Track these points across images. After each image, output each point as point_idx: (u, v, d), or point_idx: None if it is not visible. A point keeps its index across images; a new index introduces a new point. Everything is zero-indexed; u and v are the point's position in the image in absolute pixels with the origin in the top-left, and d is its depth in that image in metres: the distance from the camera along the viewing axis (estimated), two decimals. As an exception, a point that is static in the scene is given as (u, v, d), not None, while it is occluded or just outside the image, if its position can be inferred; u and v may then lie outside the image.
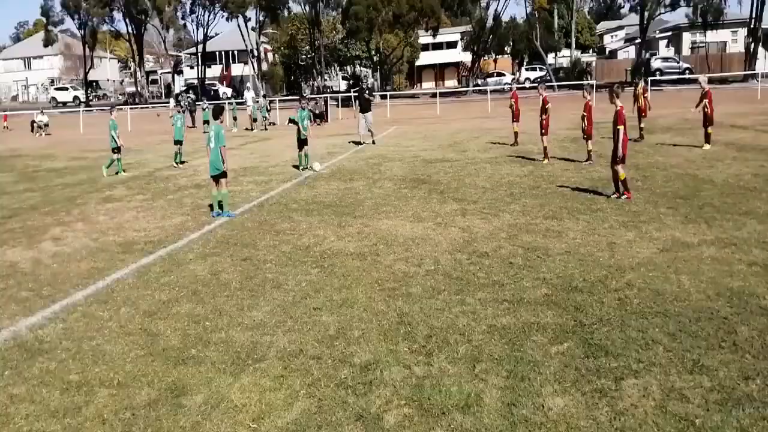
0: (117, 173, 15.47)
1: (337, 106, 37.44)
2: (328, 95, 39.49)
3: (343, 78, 67.85)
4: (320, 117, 32.16)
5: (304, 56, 67.34)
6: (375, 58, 57.34)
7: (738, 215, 8.28)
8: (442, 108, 35.30)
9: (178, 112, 18.98)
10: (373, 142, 19.80)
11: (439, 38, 66.30)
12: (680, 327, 4.95)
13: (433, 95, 43.13)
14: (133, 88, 69.50)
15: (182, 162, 17.06)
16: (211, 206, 10.25)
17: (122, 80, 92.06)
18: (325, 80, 59.86)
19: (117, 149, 15.62)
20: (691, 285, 5.84)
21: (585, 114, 13.77)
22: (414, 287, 6.22)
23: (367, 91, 22.61)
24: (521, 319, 5.28)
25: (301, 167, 14.74)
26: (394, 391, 4.22)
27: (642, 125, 16.94)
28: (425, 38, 67.13)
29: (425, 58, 76.12)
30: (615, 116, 9.61)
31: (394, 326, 5.30)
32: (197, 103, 37.12)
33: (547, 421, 3.76)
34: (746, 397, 3.91)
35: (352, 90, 42.49)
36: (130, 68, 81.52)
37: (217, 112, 10.26)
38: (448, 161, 14.99)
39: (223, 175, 9.79)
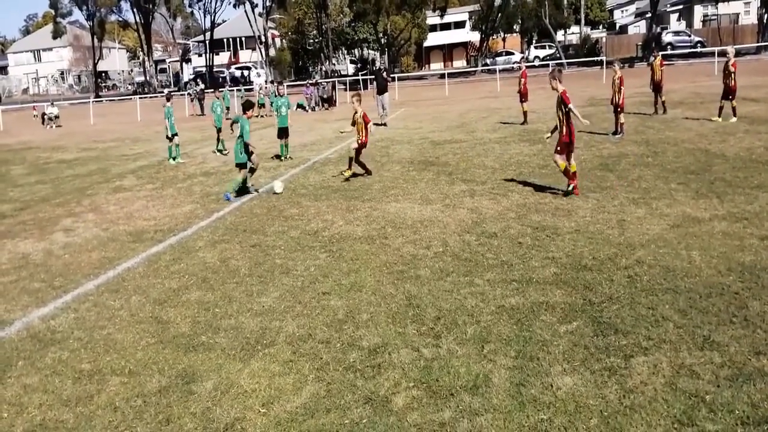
0: (171, 159, 15.35)
1: (345, 89, 37.28)
2: (336, 79, 39.33)
3: (351, 61, 67.48)
4: (328, 101, 32.06)
5: (311, 41, 67.02)
6: (383, 40, 56.93)
7: (750, 189, 8.16)
8: (451, 89, 35.01)
9: (216, 98, 18.67)
10: (385, 125, 19.71)
11: (447, 18, 65.70)
12: (691, 303, 4.90)
13: (442, 76, 42.82)
14: (142, 78, 69.66)
15: (222, 151, 16.31)
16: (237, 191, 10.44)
17: (131, 70, 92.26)
18: (333, 64, 59.56)
19: (173, 136, 15.26)
20: (702, 260, 5.77)
21: (619, 86, 13.62)
22: (422, 269, 6.21)
23: (384, 72, 22.49)
24: (530, 299, 5.26)
25: (282, 157, 14.35)
26: (403, 373, 4.23)
27: (663, 98, 16.56)
28: (433, 19, 66.49)
29: (433, 39, 75.41)
30: (559, 101, 8.61)
31: (403, 309, 5.30)
32: (206, 91, 37.16)
33: (556, 401, 3.75)
34: (757, 372, 3.87)
35: (368, 72, 42.18)
36: (138, 58, 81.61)
37: (246, 107, 10.87)
38: (457, 142, 14.89)
39: (243, 165, 10.46)
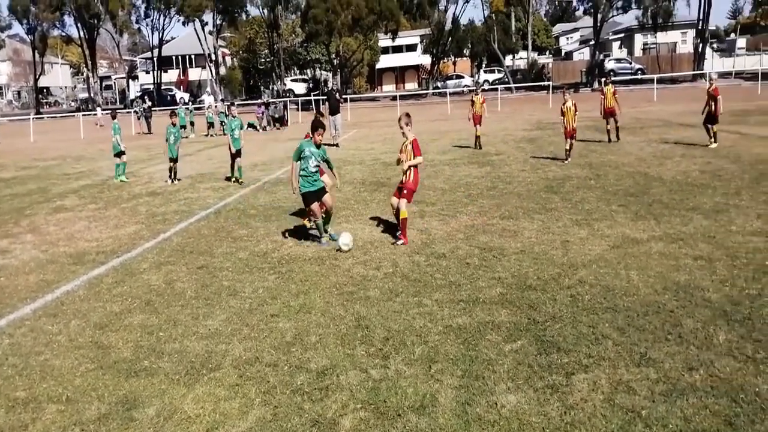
0: (117, 177, 14.95)
1: (297, 109, 37.24)
2: (288, 99, 39.25)
3: (303, 81, 67.55)
4: (279, 121, 31.95)
5: (263, 60, 66.79)
6: (335, 61, 57.28)
7: (685, 211, 8.56)
8: (403, 111, 35.38)
9: (173, 124, 14.72)
10: (337, 145, 19.77)
11: (399, 41, 66.64)
12: (629, 321, 5.09)
13: (394, 98, 43.32)
14: (86, 94, 67.77)
15: (176, 178, 14.43)
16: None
17: (75, 86, 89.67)
18: (284, 84, 59.46)
19: (119, 154, 14.95)
20: (640, 280, 6.01)
21: (573, 114, 13.58)
22: (372, 290, 6.24)
23: (336, 93, 22.56)
24: (476, 319, 5.35)
25: (233, 179, 13.79)
26: (351, 395, 4.22)
27: (618, 125, 16.52)
28: (385, 41, 67.36)
29: (385, 61, 76.40)
30: (411, 148, 7.90)
31: (352, 330, 5.30)
32: (153, 109, 36.45)
33: (500, 419, 3.82)
34: (690, 387, 4.04)
35: (320, 92, 42.18)
36: (82, 74, 79.50)
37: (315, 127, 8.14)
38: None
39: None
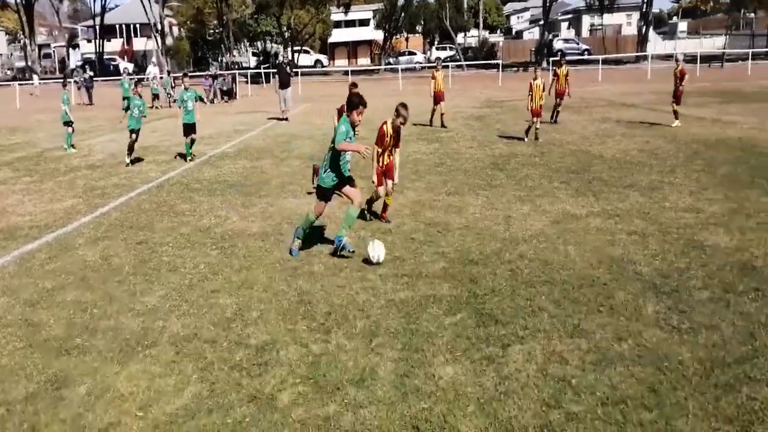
0: (66, 147, 14.62)
1: (247, 82, 36.40)
2: (237, 71, 38.31)
3: (253, 54, 66.00)
4: (228, 94, 31.20)
5: (212, 31, 64.77)
6: (286, 34, 56.11)
7: (623, 188, 8.83)
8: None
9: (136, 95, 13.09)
10: (286, 119, 19.45)
11: (352, 15, 65.80)
12: (564, 294, 5.24)
13: (345, 73, 42.85)
14: (24, 63, 64.33)
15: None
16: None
17: (11, 54, 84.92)
18: (234, 56, 57.94)
19: (68, 123, 14.73)
20: (577, 254, 6.18)
21: (541, 94, 13.36)
22: (316, 266, 6.21)
23: (287, 66, 22.09)
24: (419, 293, 5.40)
25: (187, 157, 12.75)
26: (290, 370, 4.21)
27: (560, 108, 16.41)
28: (338, 15, 66.37)
29: (338, 36, 75.22)
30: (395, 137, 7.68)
31: (294, 306, 5.27)
32: (95, 79, 34.98)
33: (437, 390, 3.88)
34: (618, 356, 4.20)
35: (270, 65, 41.09)
36: (19, 41, 75.33)
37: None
38: (357, 139, 14.94)
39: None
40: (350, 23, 72.61)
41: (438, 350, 4.39)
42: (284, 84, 20.24)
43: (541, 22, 53.96)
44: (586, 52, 51.38)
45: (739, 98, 20.87)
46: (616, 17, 62.11)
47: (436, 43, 69.23)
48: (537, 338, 4.49)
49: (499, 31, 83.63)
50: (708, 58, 41.63)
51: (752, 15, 64.50)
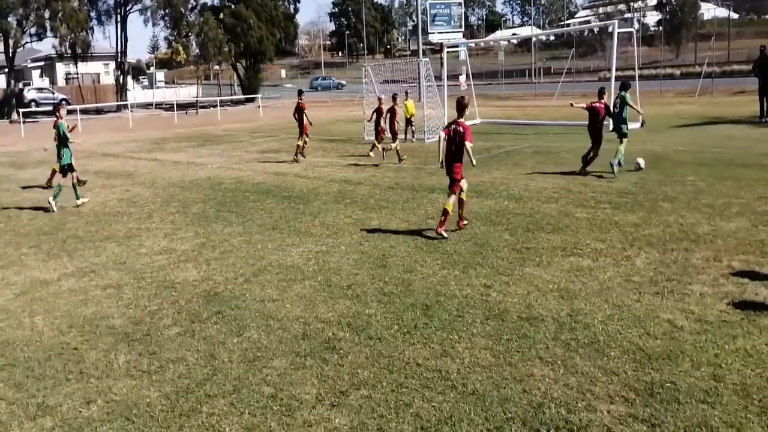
0: None
1: None
2: None
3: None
4: None
5: None
6: None
7: (99, 242, 8.70)
8: None
9: None
10: None
11: None
12: (28, 373, 4.78)
13: None
14: None
15: None
16: None
17: None
18: None
19: None
20: (45, 324, 5.74)
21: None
22: None
23: None
24: None
25: None
26: None
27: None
28: None
29: None
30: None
31: None
32: None
33: None
34: (86, 421, 4.06)
35: None
36: None
37: None
38: None
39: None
40: None
41: None
42: None
43: (6, 70, 48.61)
44: (63, 102, 48.90)
45: (210, 141, 23.41)
46: (92, 66, 61.07)
47: None
48: (-5, 435, 3.94)
49: None
50: (185, 106, 45.48)
51: (217, 67, 73.36)
